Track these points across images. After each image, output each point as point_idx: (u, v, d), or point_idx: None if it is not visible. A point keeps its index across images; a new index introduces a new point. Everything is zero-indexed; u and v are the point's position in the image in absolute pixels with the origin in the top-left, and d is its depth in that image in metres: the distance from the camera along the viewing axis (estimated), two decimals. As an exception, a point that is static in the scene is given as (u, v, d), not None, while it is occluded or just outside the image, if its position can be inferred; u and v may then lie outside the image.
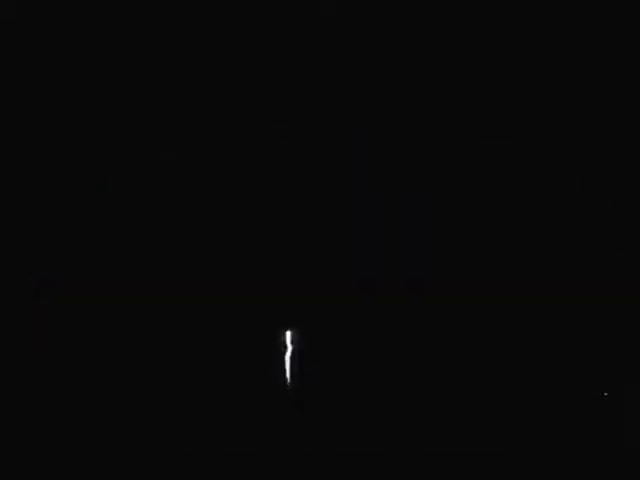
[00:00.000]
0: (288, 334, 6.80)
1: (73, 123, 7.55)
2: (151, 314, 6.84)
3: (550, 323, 6.72)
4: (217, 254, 7.33)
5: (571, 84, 7.50)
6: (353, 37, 7.61)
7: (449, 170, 7.49)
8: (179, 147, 7.50)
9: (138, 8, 7.43)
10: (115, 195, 7.45)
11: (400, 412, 6.05)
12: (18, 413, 5.91)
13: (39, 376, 6.27)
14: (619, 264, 7.02)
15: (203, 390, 6.29)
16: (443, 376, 6.39)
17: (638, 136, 7.42)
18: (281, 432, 6.00)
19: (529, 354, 6.52)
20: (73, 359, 6.48)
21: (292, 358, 6.55)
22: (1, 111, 7.44)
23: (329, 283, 7.19)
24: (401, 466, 5.57)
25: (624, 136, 7.44)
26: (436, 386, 6.29)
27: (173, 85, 7.61)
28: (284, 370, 6.55)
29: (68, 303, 6.92)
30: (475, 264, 7.23)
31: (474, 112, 7.54)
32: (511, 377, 6.30)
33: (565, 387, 6.18)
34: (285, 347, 6.71)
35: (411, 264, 7.24)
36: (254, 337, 6.81)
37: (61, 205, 7.40)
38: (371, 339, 6.70)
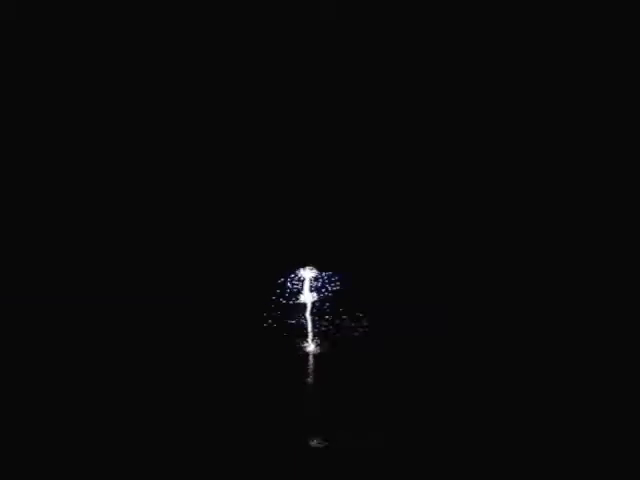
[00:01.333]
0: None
1: (73, 123, 7.58)
2: (151, 314, 6.85)
3: (550, 323, 6.72)
4: (216, 254, 7.34)
5: (571, 84, 7.52)
6: (353, 39, 7.65)
7: (449, 170, 7.51)
8: (179, 147, 7.53)
9: (138, 8, 7.47)
10: (115, 195, 7.48)
11: (400, 411, 6.05)
12: (18, 411, 5.91)
13: (39, 375, 6.28)
14: (619, 264, 7.03)
15: (202, 389, 6.29)
16: (443, 375, 6.39)
17: (638, 136, 7.44)
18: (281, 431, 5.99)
19: (529, 354, 6.52)
20: (73, 358, 6.49)
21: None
22: (1, 111, 7.46)
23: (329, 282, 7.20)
24: (401, 466, 5.56)
25: (624, 136, 7.46)
26: (435, 385, 6.29)
27: (173, 85, 7.64)
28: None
29: (68, 303, 6.94)
30: (474, 264, 7.24)
31: (474, 112, 7.57)
32: (511, 376, 6.30)
33: (564, 386, 6.18)
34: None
35: (411, 264, 7.25)
36: (253, 337, 6.81)
37: (61, 205, 7.42)
38: (371, 338, 6.71)
